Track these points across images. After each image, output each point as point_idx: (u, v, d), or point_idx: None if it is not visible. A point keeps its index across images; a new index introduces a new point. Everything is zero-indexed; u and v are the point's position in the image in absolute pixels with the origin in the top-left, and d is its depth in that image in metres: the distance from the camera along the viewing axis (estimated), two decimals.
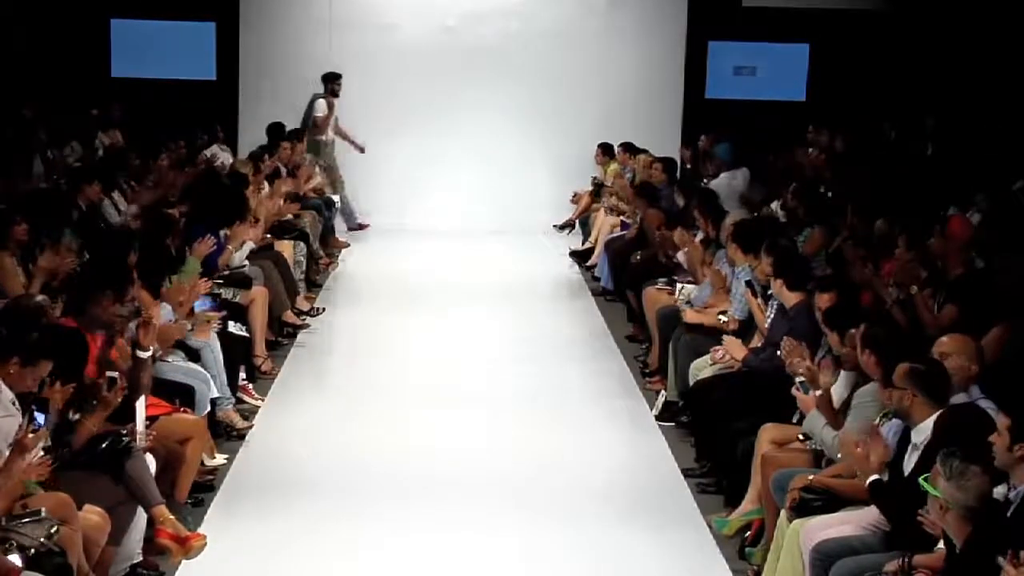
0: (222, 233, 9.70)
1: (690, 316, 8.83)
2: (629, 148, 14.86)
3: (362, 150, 15.96)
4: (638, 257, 11.22)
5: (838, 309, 6.78)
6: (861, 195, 10.65)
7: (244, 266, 10.00)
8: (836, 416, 6.23)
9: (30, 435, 5.02)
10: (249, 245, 10.36)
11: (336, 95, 15.62)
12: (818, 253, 9.45)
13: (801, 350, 6.70)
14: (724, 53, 16.88)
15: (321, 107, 15.41)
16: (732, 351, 7.64)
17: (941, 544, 4.84)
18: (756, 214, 11.49)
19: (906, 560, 4.91)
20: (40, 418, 5.43)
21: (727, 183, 13.13)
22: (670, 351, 8.89)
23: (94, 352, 6.25)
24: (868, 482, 5.34)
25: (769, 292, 7.97)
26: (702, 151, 14.98)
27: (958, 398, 5.58)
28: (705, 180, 14.10)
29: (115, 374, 6.04)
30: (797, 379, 6.53)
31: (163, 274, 8.01)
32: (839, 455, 5.92)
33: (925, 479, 4.57)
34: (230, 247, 9.79)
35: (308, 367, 9.99)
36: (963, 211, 10.51)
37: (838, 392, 6.39)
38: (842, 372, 6.47)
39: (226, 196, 10.44)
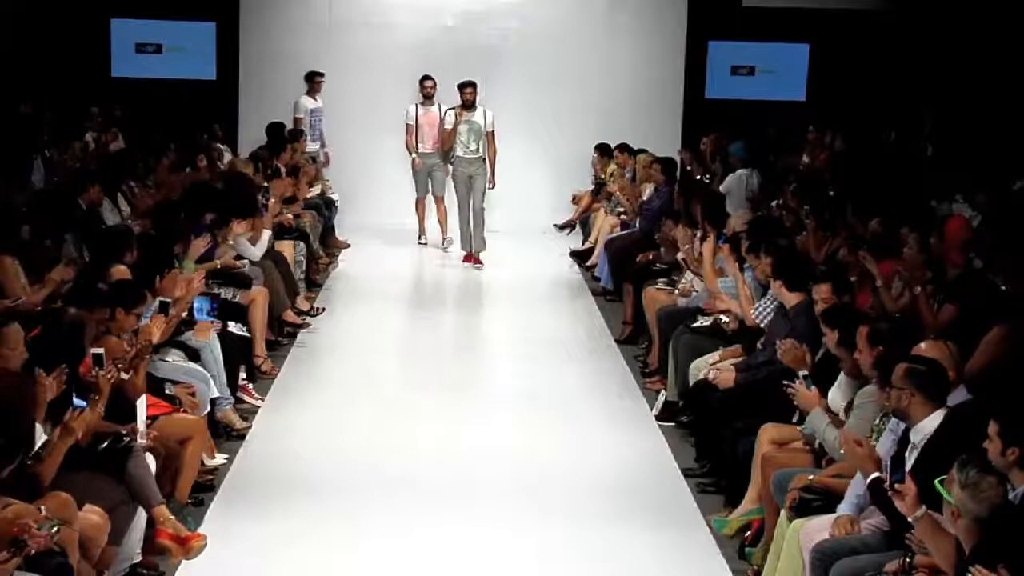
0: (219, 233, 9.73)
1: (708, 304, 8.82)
2: (626, 148, 14.86)
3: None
4: (650, 257, 11.22)
5: (836, 309, 6.79)
6: (861, 195, 10.66)
7: (244, 267, 10.01)
8: (836, 414, 6.24)
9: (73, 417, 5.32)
10: (267, 235, 10.42)
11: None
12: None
13: (799, 350, 6.70)
14: (724, 53, 16.88)
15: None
16: (724, 382, 7.61)
17: None
18: (759, 213, 11.51)
19: (907, 560, 4.91)
20: (80, 403, 5.56)
21: (744, 181, 13.15)
22: (670, 351, 8.90)
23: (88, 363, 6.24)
24: (869, 480, 5.33)
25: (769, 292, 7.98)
26: (709, 151, 14.99)
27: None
28: (707, 179, 14.13)
29: (100, 350, 6.00)
30: (801, 373, 6.53)
31: (161, 274, 8.00)
32: (841, 452, 5.93)
33: (940, 482, 4.56)
34: (229, 240, 9.81)
35: (308, 367, 9.99)
36: (971, 205, 10.55)
37: (840, 395, 6.39)
38: (842, 376, 6.47)
39: (238, 197, 10.48)
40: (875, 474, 5.32)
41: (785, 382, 6.57)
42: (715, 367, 7.83)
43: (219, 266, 9.50)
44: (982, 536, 4.32)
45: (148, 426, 6.37)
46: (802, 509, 5.76)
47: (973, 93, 15.33)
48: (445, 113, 14.12)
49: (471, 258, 14.01)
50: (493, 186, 14.16)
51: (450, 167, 14.28)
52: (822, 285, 7.24)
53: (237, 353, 8.58)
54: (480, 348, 11.04)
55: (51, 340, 5.83)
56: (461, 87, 14.02)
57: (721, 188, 13.25)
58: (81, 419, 5.44)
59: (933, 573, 4.81)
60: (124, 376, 6.27)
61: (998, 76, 15.04)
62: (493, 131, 14.03)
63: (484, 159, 13.99)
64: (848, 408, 6.23)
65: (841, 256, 8.85)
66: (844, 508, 5.53)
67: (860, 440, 5.48)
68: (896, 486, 4.85)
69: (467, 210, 13.96)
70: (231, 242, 9.89)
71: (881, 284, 8.14)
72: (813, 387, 6.46)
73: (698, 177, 14.18)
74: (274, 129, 14.73)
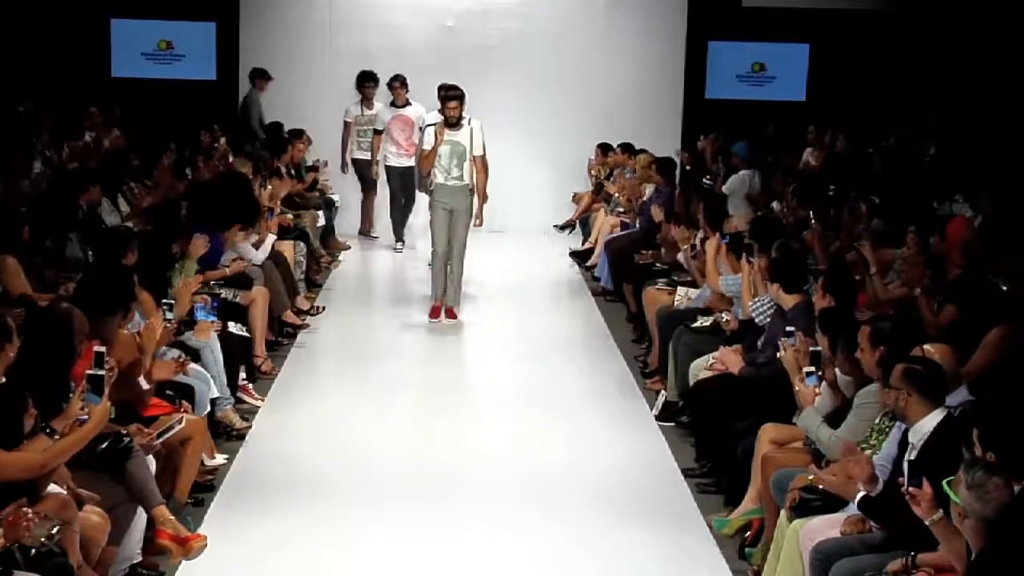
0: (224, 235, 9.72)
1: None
2: (627, 148, 14.87)
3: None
4: (650, 257, 11.22)
5: (831, 313, 6.80)
6: (862, 195, 10.67)
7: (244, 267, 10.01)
8: (843, 398, 6.26)
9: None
10: (271, 239, 10.44)
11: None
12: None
13: (803, 344, 6.71)
14: (724, 53, 16.89)
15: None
16: (729, 364, 7.63)
17: None
18: (759, 213, 11.52)
19: (909, 559, 4.90)
20: (93, 400, 5.49)
21: (747, 181, 13.17)
22: (670, 351, 8.90)
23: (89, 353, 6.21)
24: (857, 500, 5.32)
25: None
26: (709, 152, 15.00)
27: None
28: (708, 179, 14.13)
29: (102, 348, 5.87)
30: (804, 369, 6.54)
31: (165, 276, 8.00)
32: (835, 452, 5.95)
33: (948, 483, 4.55)
34: (231, 248, 9.81)
35: (308, 367, 9.99)
36: (972, 207, 10.56)
37: (824, 406, 6.40)
38: (836, 374, 6.48)
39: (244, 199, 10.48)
40: (861, 493, 5.30)
41: (780, 341, 6.67)
42: (719, 356, 7.82)
43: (228, 274, 9.49)
44: (989, 537, 4.31)
45: (162, 437, 6.35)
46: (802, 509, 5.76)
47: (973, 93, 15.34)
48: (423, 131, 11.88)
49: (440, 311, 11.47)
50: (480, 223, 11.74)
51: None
52: (824, 295, 7.26)
53: (237, 353, 8.59)
54: (480, 348, 11.04)
55: (40, 335, 5.79)
56: (444, 100, 11.50)
57: (724, 189, 13.26)
58: (101, 410, 5.38)
59: (935, 573, 4.81)
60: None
61: (998, 76, 15.05)
62: (483, 155, 11.47)
63: (471, 188, 11.42)
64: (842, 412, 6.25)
65: (849, 258, 8.84)
66: (855, 507, 5.52)
67: (836, 470, 5.42)
68: (911, 489, 4.81)
69: (443, 253, 11.42)
70: (234, 245, 9.88)
71: (875, 272, 8.16)
72: (812, 384, 6.45)
73: (702, 179, 14.17)
74: (274, 129, 14.72)
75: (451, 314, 11.51)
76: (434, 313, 11.47)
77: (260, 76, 15.75)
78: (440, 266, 11.42)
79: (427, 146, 11.41)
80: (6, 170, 10.76)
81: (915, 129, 15.10)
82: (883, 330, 6.07)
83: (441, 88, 11.84)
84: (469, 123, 11.44)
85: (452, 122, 11.30)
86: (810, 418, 6.26)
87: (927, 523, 4.74)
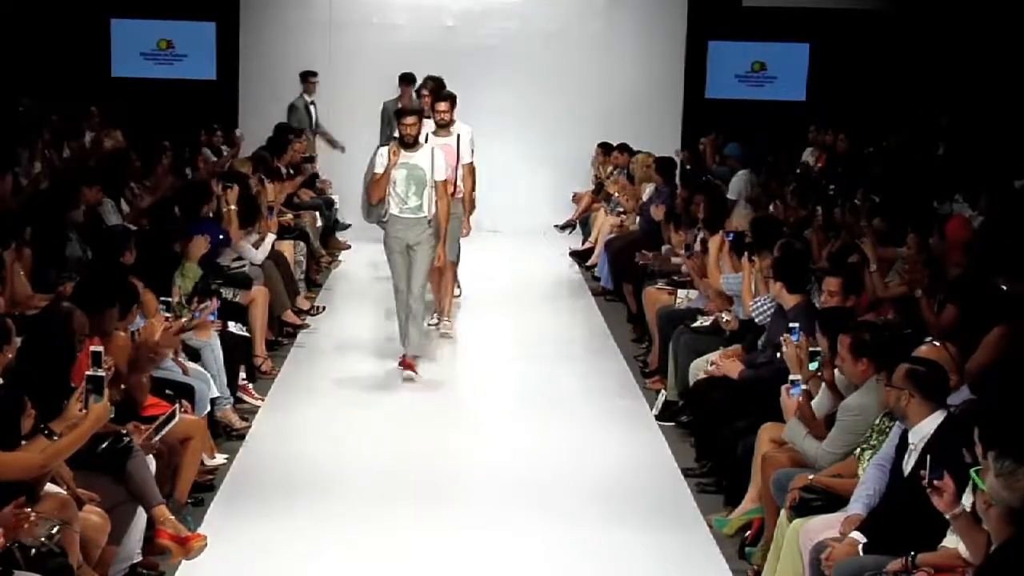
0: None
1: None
2: (626, 148, 14.87)
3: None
4: (650, 258, 11.22)
5: (831, 314, 6.80)
6: (864, 195, 10.66)
7: (244, 266, 10.01)
8: (815, 421, 6.25)
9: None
10: (270, 239, 10.45)
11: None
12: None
13: (808, 342, 6.71)
14: (724, 53, 16.89)
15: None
16: (728, 371, 7.63)
17: (945, 542, 4.84)
18: (757, 213, 11.50)
19: (909, 560, 4.90)
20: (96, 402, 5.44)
21: (747, 180, 13.17)
22: (670, 351, 8.90)
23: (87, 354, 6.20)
24: (860, 548, 5.28)
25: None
26: (711, 151, 14.99)
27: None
28: (709, 179, 14.12)
29: (99, 348, 5.76)
30: (791, 377, 6.54)
31: (167, 276, 7.99)
32: (823, 464, 6.00)
33: (976, 471, 4.55)
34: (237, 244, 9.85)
35: (308, 367, 9.99)
36: (971, 205, 10.56)
37: (822, 406, 6.40)
38: (823, 386, 6.48)
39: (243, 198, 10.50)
40: (863, 540, 5.27)
41: (783, 337, 6.67)
42: (717, 361, 7.81)
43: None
44: (1014, 526, 4.29)
45: (159, 434, 6.33)
46: (802, 509, 5.76)
47: (973, 92, 15.33)
48: (377, 151, 10.28)
49: (405, 361, 9.76)
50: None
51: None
52: (833, 279, 7.27)
53: (237, 353, 8.59)
54: (480, 348, 11.03)
55: (40, 335, 5.78)
56: (399, 115, 9.81)
57: (729, 190, 13.26)
58: (100, 407, 5.31)
59: (935, 573, 4.81)
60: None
61: (998, 75, 15.04)
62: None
63: (430, 220, 9.66)
64: (830, 419, 6.25)
65: (852, 260, 8.84)
66: (854, 507, 5.52)
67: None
68: (934, 482, 4.80)
69: (405, 293, 9.76)
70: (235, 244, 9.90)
71: (875, 269, 8.17)
72: (796, 394, 6.45)
73: (704, 179, 14.18)
74: (277, 130, 14.72)
75: (408, 365, 9.67)
76: (401, 362, 9.81)
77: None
78: (404, 308, 9.78)
79: (379, 169, 9.61)
80: (5, 170, 10.75)
81: (925, 127, 15.08)
82: (865, 340, 6.07)
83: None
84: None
85: (409, 142, 9.48)
86: (794, 430, 6.26)
87: (948, 516, 4.72)
